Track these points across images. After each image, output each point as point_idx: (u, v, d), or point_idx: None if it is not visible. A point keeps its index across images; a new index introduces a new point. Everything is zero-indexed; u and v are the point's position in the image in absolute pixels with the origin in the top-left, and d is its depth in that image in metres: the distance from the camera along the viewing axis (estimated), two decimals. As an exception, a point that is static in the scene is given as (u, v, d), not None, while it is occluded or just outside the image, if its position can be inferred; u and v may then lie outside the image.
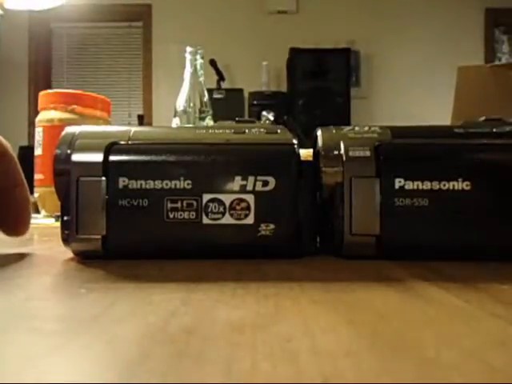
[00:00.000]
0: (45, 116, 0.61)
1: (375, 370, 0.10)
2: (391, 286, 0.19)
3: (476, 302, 0.16)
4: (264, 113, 2.57)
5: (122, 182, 0.24)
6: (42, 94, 0.63)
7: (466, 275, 0.21)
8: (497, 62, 2.70)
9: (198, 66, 0.91)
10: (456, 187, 0.24)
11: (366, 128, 0.26)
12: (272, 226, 0.24)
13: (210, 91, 1.05)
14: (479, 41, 3.18)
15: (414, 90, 3.05)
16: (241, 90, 2.82)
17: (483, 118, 0.27)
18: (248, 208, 0.24)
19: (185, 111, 0.90)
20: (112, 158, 0.25)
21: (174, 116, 0.91)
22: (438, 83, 2.73)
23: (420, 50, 3.06)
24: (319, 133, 0.27)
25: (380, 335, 0.13)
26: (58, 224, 0.26)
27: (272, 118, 2.26)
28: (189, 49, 0.91)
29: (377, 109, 3.06)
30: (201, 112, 0.90)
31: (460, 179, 0.24)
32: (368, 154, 0.25)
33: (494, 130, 0.25)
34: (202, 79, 0.92)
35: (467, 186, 0.24)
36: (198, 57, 0.91)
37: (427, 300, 0.17)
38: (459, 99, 0.86)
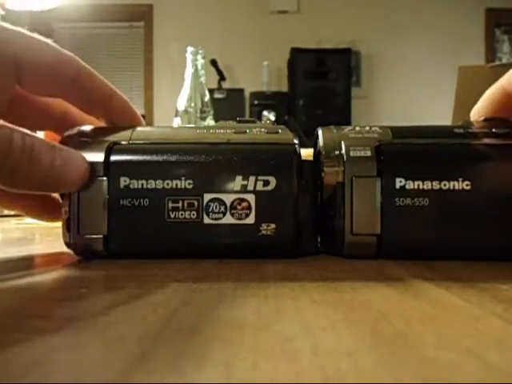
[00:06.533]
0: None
1: (375, 370, 0.10)
2: (392, 285, 0.19)
3: (476, 302, 0.16)
4: (265, 113, 2.57)
5: (123, 181, 0.24)
6: (43, 93, 0.63)
7: (466, 275, 0.21)
8: (497, 62, 2.70)
9: (199, 66, 0.91)
10: (456, 187, 0.24)
11: (367, 128, 0.26)
12: (273, 226, 0.24)
13: (210, 91, 1.05)
14: (480, 41, 3.18)
15: (415, 90, 3.05)
16: (242, 90, 2.83)
17: (482, 118, 0.27)
18: (249, 208, 0.24)
19: (186, 111, 0.90)
20: (113, 157, 0.25)
21: (175, 116, 0.91)
22: (439, 83, 2.73)
23: (421, 50, 3.06)
24: (320, 133, 0.27)
25: (380, 335, 0.13)
26: (60, 224, 0.26)
27: (273, 118, 2.26)
28: (190, 49, 0.91)
29: (377, 109, 3.06)
30: (202, 112, 0.90)
31: (460, 179, 0.24)
32: (369, 153, 0.25)
33: (494, 130, 0.25)
34: (202, 79, 0.92)
35: (467, 185, 0.24)
36: (199, 57, 0.91)
37: (427, 299, 0.17)
38: (460, 99, 0.86)
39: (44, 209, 0.29)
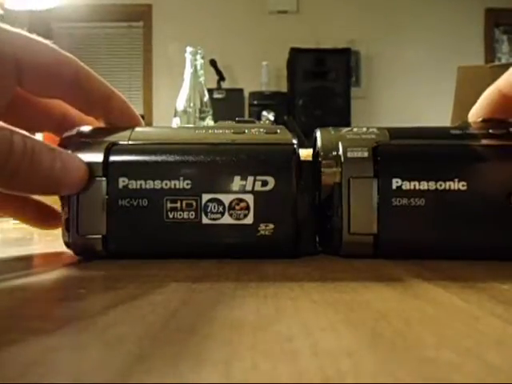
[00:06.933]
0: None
1: (375, 370, 0.10)
2: (390, 285, 0.19)
3: (475, 302, 0.16)
4: (264, 113, 2.57)
5: (122, 182, 0.24)
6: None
7: (465, 274, 0.21)
8: (497, 62, 2.70)
9: (199, 66, 0.91)
10: (452, 187, 0.24)
11: (364, 129, 0.27)
12: (271, 226, 0.24)
13: (210, 91, 1.05)
14: (479, 41, 3.19)
15: (414, 90, 3.05)
16: (241, 90, 2.82)
17: (480, 119, 0.28)
18: (247, 208, 0.24)
19: (185, 111, 0.90)
20: (112, 158, 0.25)
21: (175, 116, 0.91)
22: (438, 83, 2.73)
23: (420, 50, 3.06)
24: (318, 134, 0.27)
25: (380, 335, 0.13)
26: (58, 224, 0.26)
27: (272, 118, 2.26)
28: (189, 49, 0.91)
29: (377, 109, 3.07)
30: (201, 112, 0.90)
31: (456, 179, 0.24)
32: (366, 154, 0.25)
33: (490, 131, 0.26)
34: (202, 79, 0.92)
35: (463, 186, 0.24)
36: (199, 57, 0.91)
37: (427, 299, 0.17)
38: (459, 99, 0.86)
39: (38, 216, 0.29)
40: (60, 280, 0.22)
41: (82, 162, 0.24)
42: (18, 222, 0.32)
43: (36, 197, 0.29)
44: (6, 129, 0.22)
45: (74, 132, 0.26)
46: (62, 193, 0.25)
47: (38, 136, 0.38)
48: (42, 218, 0.29)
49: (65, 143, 0.26)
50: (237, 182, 0.24)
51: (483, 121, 0.27)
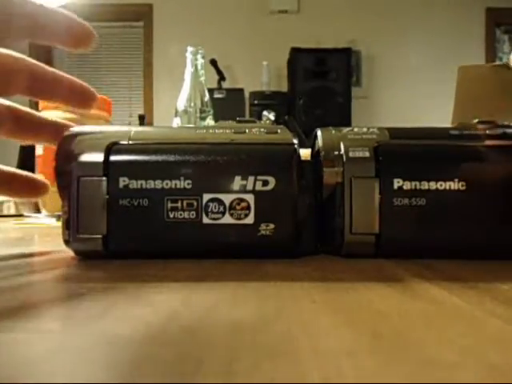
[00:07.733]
0: (46, 116, 0.61)
1: (375, 370, 0.10)
2: (391, 285, 0.19)
3: (476, 302, 0.16)
4: (265, 113, 2.57)
5: (123, 181, 0.24)
6: (43, 93, 0.63)
7: (466, 275, 0.21)
8: (498, 62, 2.69)
9: (199, 66, 0.91)
10: (452, 187, 0.24)
11: (365, 129, 0.27)
12: (272, 226, 0.24)
13: (210, 91, 1.05)
14: (480, 41, 3.18)
15: (415, 90, 3.05)
16: (241, 90, 2.82)
17: (476, 121, 0.28)
18: (248, 208, 0.24)
19: (186, 111, 0.90)
20: (113, 157, 0.25)
21: (175, 116, 0.91)
22: (439, 83, 2.72)
23: (421, 50, 3.06)
24: (319, 133, 0.27)
25: (380, 335, 0.13)
26: (59, 224, 0.26)
27: (273, 118, 2.26)
28: (190, 48, 0.91)
29: (378, 109, 3.06)
30: (201, 112, 0.90)
31: (456, 179, 0.24)
32: (367, 154, 0.25)
33: (487, 132, 0.26)
34: (202, 79, 0.92)
35: (463, 186, 0.24)
36: (199, 56, 0.91)
37: (427, 299, 0.17)
38: (460, 99, 0.86)
39: (26, 187, 0.30)
40: (60, 280, 0.22)
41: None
42: (19, 221, 0.32)
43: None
44: None
45: (73, 131, 0.26)
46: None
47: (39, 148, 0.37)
48: (29, 188, 0.30)
49: (65, 142, 0.26)
50: (237, 182, 0.24)
51: (480, 122, 0.28)
